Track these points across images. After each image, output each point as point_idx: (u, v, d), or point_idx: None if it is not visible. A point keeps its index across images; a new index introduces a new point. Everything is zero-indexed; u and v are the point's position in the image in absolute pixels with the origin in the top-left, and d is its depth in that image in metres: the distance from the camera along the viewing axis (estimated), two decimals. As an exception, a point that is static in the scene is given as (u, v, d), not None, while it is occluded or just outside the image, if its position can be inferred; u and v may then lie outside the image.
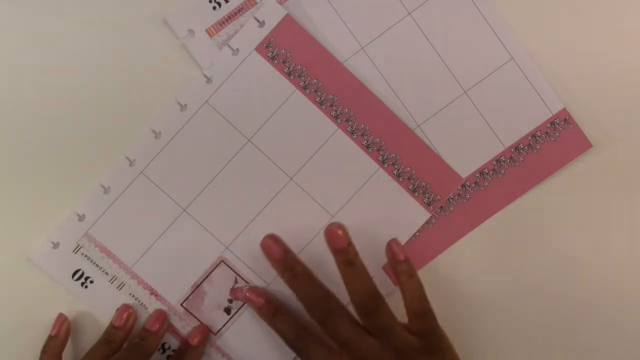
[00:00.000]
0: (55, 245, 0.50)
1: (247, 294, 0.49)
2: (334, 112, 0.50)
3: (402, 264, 0.47)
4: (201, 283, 0.50)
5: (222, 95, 0.49)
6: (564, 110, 0.50)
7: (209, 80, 0.49)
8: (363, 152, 0.50)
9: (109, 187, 0.49)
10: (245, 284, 0.50)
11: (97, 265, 0.50)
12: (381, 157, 0.50)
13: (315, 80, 0.49)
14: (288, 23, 0.49)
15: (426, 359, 0.45)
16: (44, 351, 0.48)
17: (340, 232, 0.47)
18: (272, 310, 0.48)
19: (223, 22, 0.49)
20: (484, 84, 0.50)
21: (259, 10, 0.49)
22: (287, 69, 0.49)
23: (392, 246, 0.48)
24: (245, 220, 0.50)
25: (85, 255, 0.50)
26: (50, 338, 0.49)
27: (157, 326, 0.49)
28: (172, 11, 0.49)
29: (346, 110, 0.50)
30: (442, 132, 0.50)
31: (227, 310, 0.51)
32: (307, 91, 0.49)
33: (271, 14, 0.49)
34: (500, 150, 0.50)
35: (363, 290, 0.46)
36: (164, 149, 0.49)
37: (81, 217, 0.49)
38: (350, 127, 0.50)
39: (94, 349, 0.49)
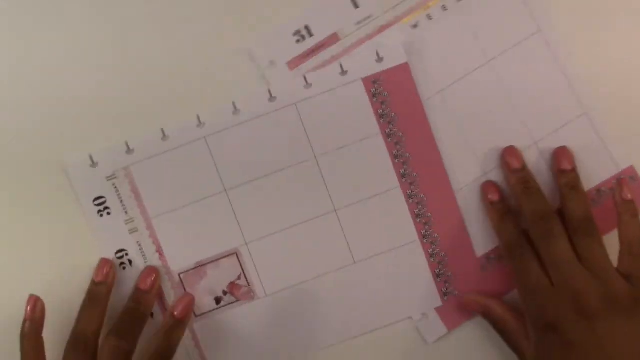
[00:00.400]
0: (94, 164, 0.49)
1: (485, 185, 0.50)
2: (403, 170, 0.50)
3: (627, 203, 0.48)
4: (207, 264, 0.50)
5: (313, 103, 0.49)
6: (631, 167, 0.51)
7: (307, 85, 0.49)
8: (411, 219, 0.50)
9: (168, 136, 0.49)
10: (246, 285, 0.50)
11: (121, 201, 0.49)
12: (424, 231, 0.50)
13: (400, 133, 0.49)
14: (403, 70, 0.49)
15: (632, 306, 0.45)
16: (22, 336, 0.47)
17: (569, 153, 0.49)
18: (504, 210, 0.49)
19: (305, 56, 0.50)
20: (553, 137, 0.51)
21: (383, 48, 0.49)
22: (381, 110, 0.49)
23: (622, 186, 0.49)
24: (275, 228, 0.50)
25: (115, 187, 0.49)
26: (26, 321, 0.47)
27: (150, 283, 0.48)
28: (255, 41, 0.49)
29: (415, 173, 0.50)
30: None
31: (218, 300, 0.50)
32: (389, 139, 0.49)
33: (393, 55, 0.49)
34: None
35: (581, 213, 0.47)
36: (236, 127, 0.49)
37: (130, 151, 0.49)
38: (410, 191, 0.50)
39: (82, 315, 0.48)
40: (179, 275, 0.50)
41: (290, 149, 0.49)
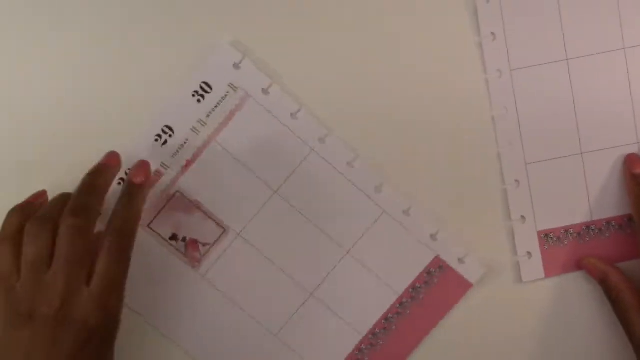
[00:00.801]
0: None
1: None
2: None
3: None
4: (201, 210, 0.53)
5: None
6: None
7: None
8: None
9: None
10: (200, 254, 0.53)
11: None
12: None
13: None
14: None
15: None
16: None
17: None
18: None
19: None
20: (600, 153, 0.53)
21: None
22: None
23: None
24: (256, 207, 0.53)
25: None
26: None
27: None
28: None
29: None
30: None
31: (172, 237, 0.53)
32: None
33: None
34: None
35: None
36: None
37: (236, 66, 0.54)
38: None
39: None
40: (177, 192, 0.53)
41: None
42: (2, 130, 0.52)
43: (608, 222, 0.54)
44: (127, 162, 0.51)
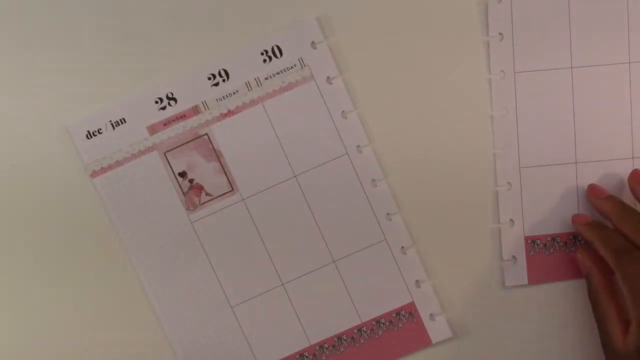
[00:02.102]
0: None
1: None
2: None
3: None
4: (219, 161, 0.53)
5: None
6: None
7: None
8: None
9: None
10: (199, 202, 0.53)
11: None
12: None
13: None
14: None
15: None
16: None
17: None
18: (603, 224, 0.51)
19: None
20: (596, 165, 0.53)
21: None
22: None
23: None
24: (271, 182, 0.53)
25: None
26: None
27: None
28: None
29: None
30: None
31: (181, 174, 0.53)
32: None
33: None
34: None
35: None
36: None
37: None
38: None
39: None
40: (206, 135, 0.53)
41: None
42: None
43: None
44: (179, 85, 0.51)
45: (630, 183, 0.52)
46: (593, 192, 0.52)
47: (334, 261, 0.53)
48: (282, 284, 0.53)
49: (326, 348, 0.54)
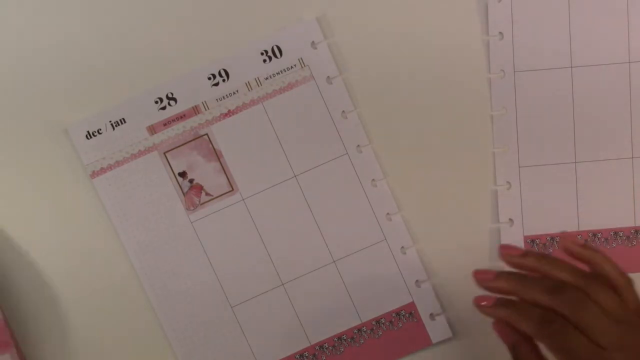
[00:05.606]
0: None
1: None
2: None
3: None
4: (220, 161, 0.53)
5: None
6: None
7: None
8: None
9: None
10: (199, 201, 0.53)
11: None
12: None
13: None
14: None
15: None
16: None
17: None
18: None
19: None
20: (594, 164, 0.53)
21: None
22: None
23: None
24: (271, 182, 0.53)
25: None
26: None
27: None
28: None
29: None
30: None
31: (181, 175, 0.53)
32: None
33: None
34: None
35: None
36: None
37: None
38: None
39: None
40: (205, 135, 0.53)
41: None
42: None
43: (594, 234, 0.53)
44: (178, 84, 0.51)
45: (502, 258, 0.47)
46: (479, 276, 0.46)
47: (334, 261, 0.53)
48: (282, 284, 0.53)
49: (326, 348, 0.54)
